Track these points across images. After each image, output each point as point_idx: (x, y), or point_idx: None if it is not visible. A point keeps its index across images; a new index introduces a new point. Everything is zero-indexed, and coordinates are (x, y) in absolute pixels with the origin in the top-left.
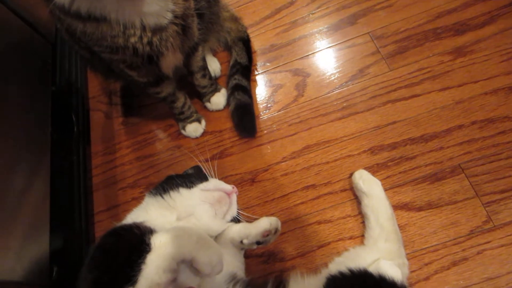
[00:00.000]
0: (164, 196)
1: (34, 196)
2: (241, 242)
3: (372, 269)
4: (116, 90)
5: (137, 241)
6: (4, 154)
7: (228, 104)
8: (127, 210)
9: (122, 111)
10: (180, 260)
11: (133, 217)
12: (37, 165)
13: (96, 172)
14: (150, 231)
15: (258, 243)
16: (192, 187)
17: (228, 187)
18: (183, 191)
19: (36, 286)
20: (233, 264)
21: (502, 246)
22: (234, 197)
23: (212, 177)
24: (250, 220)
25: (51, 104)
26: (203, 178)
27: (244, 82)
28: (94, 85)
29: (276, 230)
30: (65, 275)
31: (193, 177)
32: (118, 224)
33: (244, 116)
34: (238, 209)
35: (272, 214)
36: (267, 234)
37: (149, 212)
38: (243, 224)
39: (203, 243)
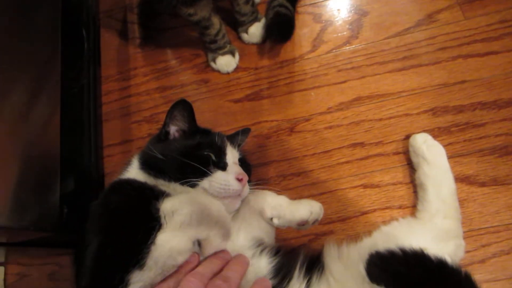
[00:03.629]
0: (157, 181)
1: (43, 118)
2: (271, 219)
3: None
4: (132, 6)
5: (146, 210)
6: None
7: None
8: (142, 147)
9: (140, 32)
10: (196, 240)
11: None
12: (46, 83)
13: (107, 100)
14: (163, 195)
15: (289, 226)
16: (193, 186)
17: (238, 186)
18: (180, 188)
19: (44, 230)
20: (260, 228)
21: None
22: (245, 189)
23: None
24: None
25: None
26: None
27: (287, 5)
28: None
29: (315, 221)
30: (75, 215)
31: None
32: (124, 175)
33: (281, 20)
34: (251, 187)
35: (311, 171)
36: (303, 224)
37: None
38: (279, 200)
39: (222, 225)
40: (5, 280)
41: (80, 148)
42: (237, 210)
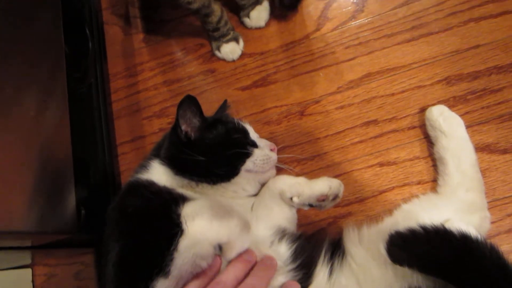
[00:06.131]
0: (188, 182)
1: (52, 122)
2: (291, 199)
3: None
4: (133, 0)
5: (167, 216)
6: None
7: None
8: (154, 143)
9: (143, 26)
10: (217, 244)
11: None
12: (52, 87)
13: (116, 97)
14: (182, 199)
15: (310, 205)
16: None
17: (275, 155)
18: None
19: (63, 233)
20: (281, 214)
21: None
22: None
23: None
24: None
25: (62, 12)
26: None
27: None
28: None
29: (335, 197)
30: (93, 215)
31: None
32: (140, 175)
33: None
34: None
35: (325, 153)
36: (323, 199)
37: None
38: (297, 179)
39: (243, 229)
40: (33, 281)
41: (94, 148)
42: (258, 197)
